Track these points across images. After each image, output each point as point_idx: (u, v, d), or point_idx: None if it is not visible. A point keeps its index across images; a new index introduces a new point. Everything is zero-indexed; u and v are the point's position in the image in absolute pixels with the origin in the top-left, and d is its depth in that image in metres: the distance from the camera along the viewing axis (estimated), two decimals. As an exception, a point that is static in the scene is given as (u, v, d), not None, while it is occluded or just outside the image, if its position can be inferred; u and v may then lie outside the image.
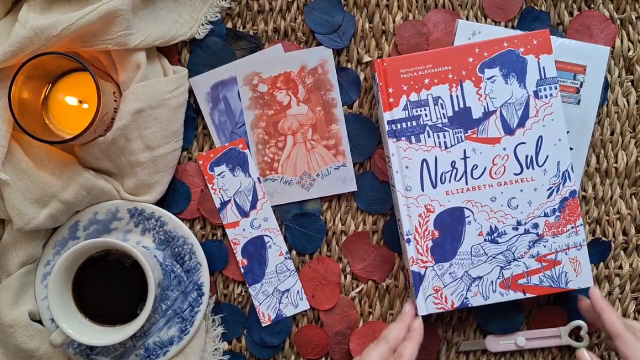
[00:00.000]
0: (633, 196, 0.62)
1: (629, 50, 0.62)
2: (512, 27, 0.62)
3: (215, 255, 0.63)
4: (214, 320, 0.63)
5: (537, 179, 0.58)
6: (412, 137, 0.58)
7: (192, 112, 0.63)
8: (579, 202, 0.58)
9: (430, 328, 0.62)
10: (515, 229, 0.58)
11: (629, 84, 0.62)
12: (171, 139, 0.60)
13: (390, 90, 0.58)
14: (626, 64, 0.62)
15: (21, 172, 0.56)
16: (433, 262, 0.58)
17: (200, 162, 0.63)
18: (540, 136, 0.58)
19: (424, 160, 0.58)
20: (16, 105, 0.53)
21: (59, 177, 0.57)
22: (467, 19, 0.62)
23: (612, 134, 0.62)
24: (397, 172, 0.58)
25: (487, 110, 0.58)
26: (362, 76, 0.63)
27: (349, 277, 0.63)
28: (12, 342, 0.57)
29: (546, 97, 0.57)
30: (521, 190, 0.58)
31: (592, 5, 0.62)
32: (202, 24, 0.62)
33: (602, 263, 0.62)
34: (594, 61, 0.60)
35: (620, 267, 0.63)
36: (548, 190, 0.58)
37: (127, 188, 0.60)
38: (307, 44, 0.63)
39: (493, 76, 0.58)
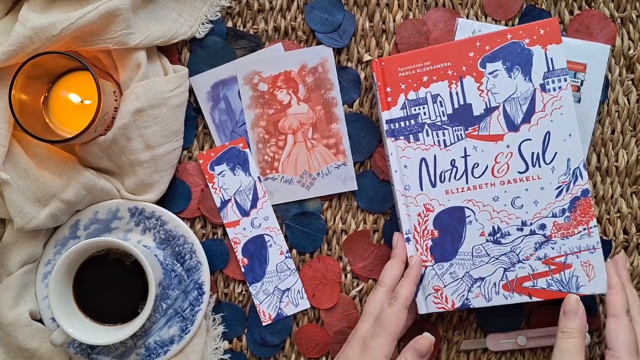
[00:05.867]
0: (634, 195, 0.62)
1: (629, 49, 0.62)
2: (512, 26, 0.62)
3: (216, 255, 0.63)
4: (214, 319, 0.63)
5: (545, 177, 0.55)
6: (411, 136, 0.57)
7: (193, 111, 0.63)
8: (592, 202, 0.55)
9: (430, 327, 0.62)
10: (520, 229, 0.56)
11: (630, 82, 0.62)
12: (171, 138, 0.60)
13: (389, 89, 0.57)
14: (627, 62, 0.62)
15: (22, 171, 0.56)
16: (433, 261, 0.57)
17: (201, 161, 0.63)
18: (548, 132, 0.55)
19: (423, 159, 0.57)
20: (16, 105, 0.53)
21: (60, 177, 0.57)
22: (467, 17, 0.62)
23: (612, 132, 0.62)
24: (395, 171, 0.58)
25: (488, 106, 0.56)
26: (362, 75, 0.63)
27: (349, 276, 0.63)
28: (12, 341, 0.57)
29: (554, 90, 0.55)
30: (526, 189, 0.56)
31: (593, 4, 0.62)
32: (203, 23, 0.62)
33: (602, 262, 0.62)
34: (594, 59, 0.60)
35: (621, 266, 0.63)
36: (557, 189, 0.55)
37: (127, 187, 0.60)
38: (308, 43, 0.63)
39: (495, 70, 0.55)
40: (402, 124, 0.57)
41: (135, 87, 0.58)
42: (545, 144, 0.55)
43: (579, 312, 0.53)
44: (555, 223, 0.55)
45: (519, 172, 0.56)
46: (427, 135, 0.57)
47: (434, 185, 0.57)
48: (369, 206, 0.63)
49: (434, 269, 0.57)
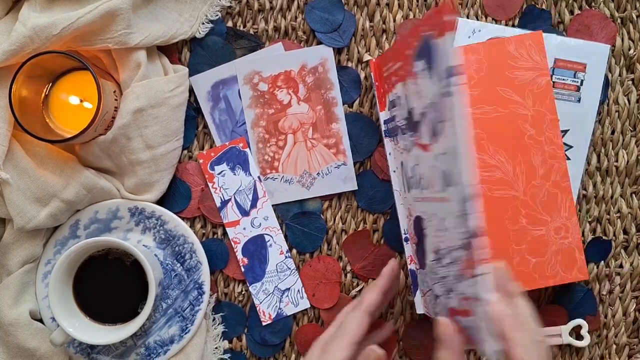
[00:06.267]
0: (633, 195, 0.62)
1: (629, 49, 0.62)
2: (513, 26, 0.62)
3: (216, 254, 0.63)
4: (214, 319, 0.63)
5: (453, 200, 0.43)
6: (395, 138, 0.56)
7: (193, 111, 0.63)
8: (477, 246, 0.41)
9: (430, 328, 0.62)
10: (448, 253, 0.46)
11: (630, 82, 0.62)
12: (172, 137, 0.60)
13: (382, 90, 0.57)
14: (627, 62, 0.62)
15: (22, 171, 0.56)
16: (418, 265, 0.56)
17: (201, 161, 0.63)
18: (455, 145, 0.41)
19: (401, 162, 0.55)
20: (17, 104, 0.53)
21: (60, 176, 0.57)
22: (467, 17, 0.62)
23: (612, 132, 0.62)
24: (393, 171, 0.58)
25: (423, 111, 0.46)
26: (362, 75, 0.63)
27: (349, 275, 0.63)
28: (13, 341, 0.57)
29: (449, 94, 0.41)
30: (445, 211, 0.45)
31: (593, 4, 0.62)
32: (203, 23, 0.62)
33: (602, 262, 0.62)
34: (594, 59, 0.60)
35: (621, 266, 0.62)
36: (457, 217, 0.42)
37: (127, 187, 0.60)
38: (308, 43, 0.63)
39: (423, 70, 0.45)
40: (390, 125, 0.57)
41: (136, 87, 0.58)
42: (453, 158, 0.42)
43: (449, 340, 0.44)
44: (461, 257, 0.44)
45: (439, 190, 0.45)
46: (401, 138, 0.54)
47: (408, 190, 0.54)
48: (369, 206, 0.63)
49: (420, 274, 0.56)
